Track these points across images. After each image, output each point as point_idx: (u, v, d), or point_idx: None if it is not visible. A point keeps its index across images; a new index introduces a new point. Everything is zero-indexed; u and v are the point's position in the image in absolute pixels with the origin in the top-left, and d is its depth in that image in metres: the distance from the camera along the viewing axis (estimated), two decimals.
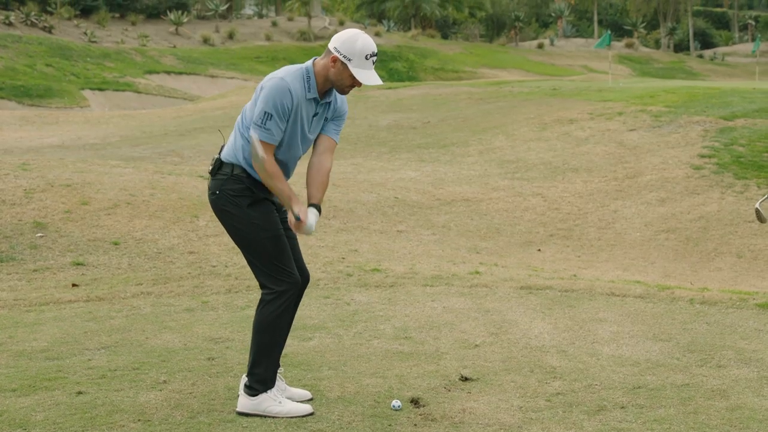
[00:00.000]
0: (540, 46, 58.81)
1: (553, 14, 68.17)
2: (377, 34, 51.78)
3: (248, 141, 4.15)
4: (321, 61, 4.18)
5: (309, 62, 4.21)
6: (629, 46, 60.73)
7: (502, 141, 15.71)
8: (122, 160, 13.10)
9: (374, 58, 4.14)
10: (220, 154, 4.27)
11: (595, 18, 67.53)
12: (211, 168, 4.27)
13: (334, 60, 4.09)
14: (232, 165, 4.19)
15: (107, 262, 7.98)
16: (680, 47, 66.67)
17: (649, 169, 13.20)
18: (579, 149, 14.68)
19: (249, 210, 4.18)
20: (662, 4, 64.03)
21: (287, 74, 4.14)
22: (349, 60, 4.08)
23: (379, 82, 4.17)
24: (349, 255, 8.64)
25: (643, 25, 65.67)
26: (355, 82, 4.14)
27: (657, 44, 68.05)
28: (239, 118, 4.27)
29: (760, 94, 18.52)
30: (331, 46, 4.12)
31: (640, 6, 64.36)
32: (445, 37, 61.51)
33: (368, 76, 4.14)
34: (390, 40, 51.21)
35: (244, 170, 4.18)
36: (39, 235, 8.46)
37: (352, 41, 4.10)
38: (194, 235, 8.86)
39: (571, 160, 14.05)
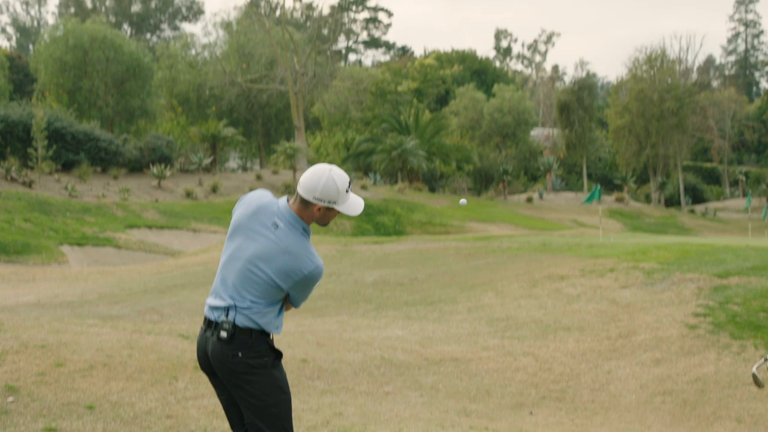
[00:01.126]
0: (529, 199, 60.10)
1: (541, 168, 70.04)
2: (363, 187, 52.88)
3: (276, 311, 4.37)
4: (300, 208, 4.34)
5: (288, 208, 4.35)
6: (619, 200, 62.09)
7: (491, 298, 15.82)
8: (100, 319, 13.12)
9: (351, 185, 4.39)
10: (227, 315, 4.31)
11: (584, 172, 69.39)
12: (225, 334, 4.28)
13: (319, 209, 4.29)
14: (251, 330, 4.28)
15: (81, 428, 7.90)
16: (671, 202, 68.14)
17: (643, 328, 13.26)
18: (570, 307, 14.78)
19: (273, 371, 4.27)
20: (652, 159, 65.82)
21: (315, 253, 4.37)
22: (335, 203, 4.29)
23: (362, 202, 4.42)
24: (334, 419, 8.58)
25: (633, 179, 67.31)
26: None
27: (647, 199, 69.57)
28: (247, 272, 4.33)
29: (753, 252, 18.68)
30: (308, 197, 4.27)
31: (630, 160, 66.12)
32: (432, 190, 62.86)
33: (354, 206, 4.36)
34: (376, 193, 52.22)
35: (263, 330, 4.30)
36: (10, 399, 8.40)
37: (329, 186, 4.27)
38: (173, 398, 8.81)
39: (562, 318, 14.12)
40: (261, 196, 4.49)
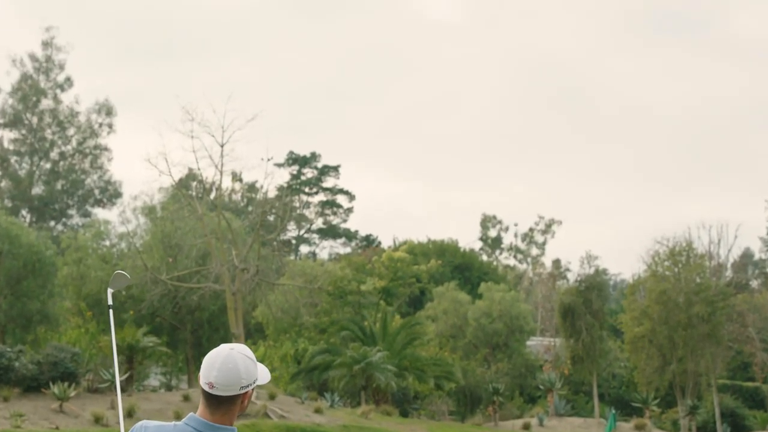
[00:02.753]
0: (526, 426, 60.16)
1: (541, 386, 70.38)
2: (317, 411, 53.00)
3: None
4: (225, 412, 4.61)
5: (206, 423, 4.59)
6: (639, 428, 62.33)
7: None
8: None
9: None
10: None
11: (595, 392, 69.74)
12: None
13: (248, 395, 4.66)
14: None
15: None
16: (705, 429, 68.41)
17: None
18: None
19: None
20: (679, 377, 66.32)
21: None
22: (257, 377, 4.72)
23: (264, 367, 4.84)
24: None
25: (656, 401, 67.48)
26: None
27: (675, 426, 69.77)
28: None
29: None
30: (234, 390, 4.55)
31: (651, 378, 66.52)
32: (404, 414, 62.91)
33: (263, 371, 4.82)
34: (333, 418, 52.27)
35: None
36: None
37: (247, 364, 4.60)
38: None
39: None
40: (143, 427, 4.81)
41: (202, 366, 4.60)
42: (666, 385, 68.28)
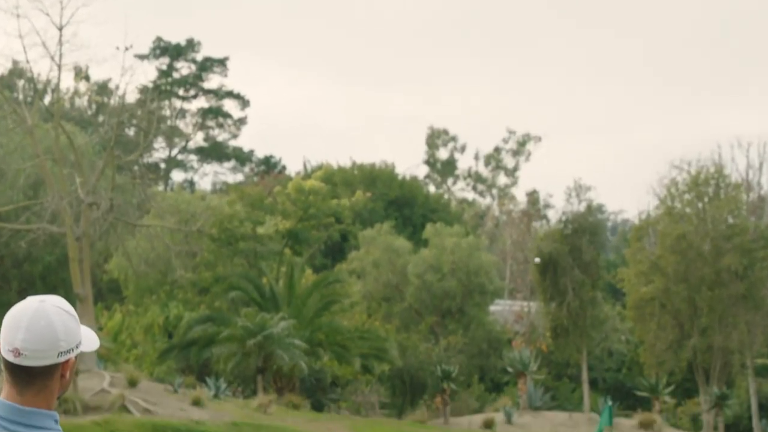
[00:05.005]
0: (488, 424, 60.32)
1: (510, 369, 70.39)
2: (196, 403, 52.53)
3: None
4: (37, 391, 4.54)
5: (14, 407, 4.53)
6: (646, 425, 62.58)
7: None
8: None
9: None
10: None
11: (585, 376, 69.73)
12: None
13: (70, 364, 4.58)
14: None
15: None
16: (736, 429, 68.93)
17: None
18: None
19: None
20: (701, 355, 66.52)
21: None
22: (80, 341, 4.63)
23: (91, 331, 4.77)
24: None
25: (670, 389, 67.87)
26: None
27: (696, 423, 70.37)
28: None
29: None
30: (51, 358, 4.49)
31: (663, 357, 66.70)
32: (318, 407, 62.93)
33: (90, 336, 4.71)
34: (218, 412, 51.85)
35: None
36: None
37: (65, 320, 4.55)
38: None
39: None
40: None
41: (2, 327, 4.55)
42: (684, 366, 68.63)
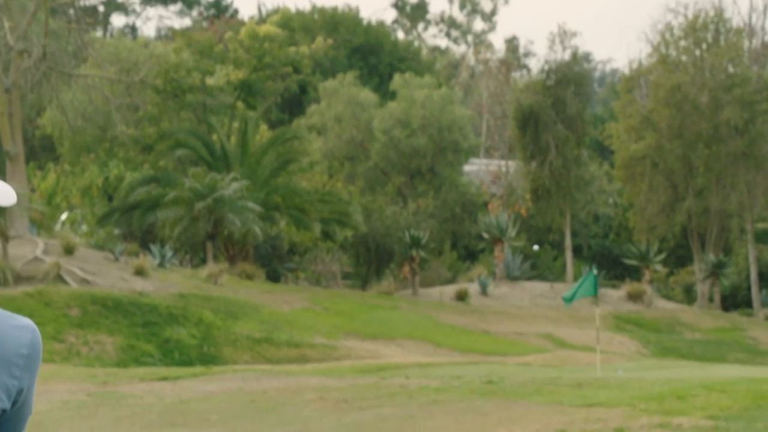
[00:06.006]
0: (461, 296, 60.96)
1: (485, 235, 70.85)
2: (139, 273, 52.57)
3: None
4: None
5: None
6: (634, 297, 63.13)
7: None
8: None
9: None
10: None
11: (568, 243, 70.46)
12: None
13: None
14: None
15: None
16: (733, 300, 69.54)
17: None
18: None
19: None
20: (696, 219, 66.97)
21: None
22: None
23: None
24: None
25: (661, 257, 68.32)
26: None
27: (689, 294, 70.96)
28: None
29: None
30: None
31: (654, 221, 67.17)
32: (274, 277, 63.31)
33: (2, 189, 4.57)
34: (164, 283, 51.95)
35: None
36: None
37: None
38: None
39: None
40: None
41: None
42: (677, 232, 69.09)
